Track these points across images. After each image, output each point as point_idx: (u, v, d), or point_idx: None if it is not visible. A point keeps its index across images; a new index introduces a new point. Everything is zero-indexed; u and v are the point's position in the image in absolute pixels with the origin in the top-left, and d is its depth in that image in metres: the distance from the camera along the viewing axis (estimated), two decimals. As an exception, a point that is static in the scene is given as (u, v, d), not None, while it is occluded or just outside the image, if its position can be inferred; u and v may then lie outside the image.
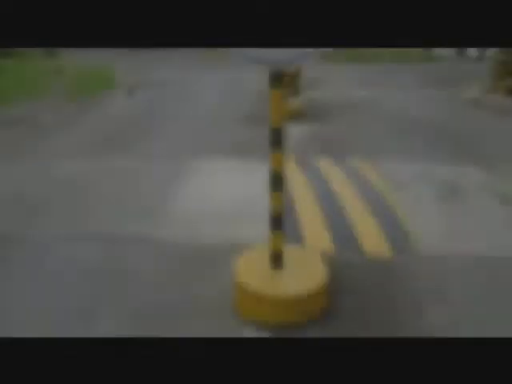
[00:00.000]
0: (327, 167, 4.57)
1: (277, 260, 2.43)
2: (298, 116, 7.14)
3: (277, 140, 2.19)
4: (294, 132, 6.20)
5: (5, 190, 3.98)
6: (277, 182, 2.27)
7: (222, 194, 3.90)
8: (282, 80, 2.19)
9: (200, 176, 4.38)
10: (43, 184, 4.15)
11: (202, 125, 6.78)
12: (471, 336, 2.32)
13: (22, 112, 7.39)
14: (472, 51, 22.97)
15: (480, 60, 20.56)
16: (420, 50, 26.96)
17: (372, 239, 3.07)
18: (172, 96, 10.06)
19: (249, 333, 2.19)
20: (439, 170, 4.54)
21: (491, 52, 20.46)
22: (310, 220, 3.34)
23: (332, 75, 13.50)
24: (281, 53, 2.03)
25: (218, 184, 4.14)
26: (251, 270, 2.47)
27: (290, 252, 2.54)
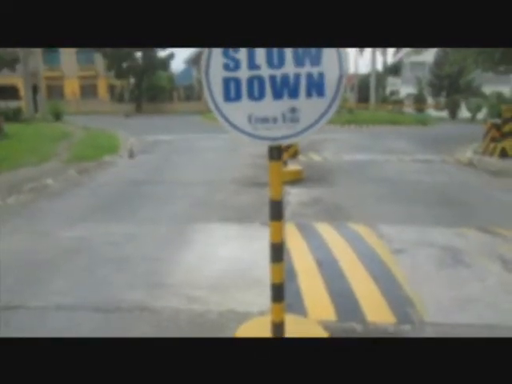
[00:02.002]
0: (327, 231, 4.59)
1: (278, 330, 2.40)
2: (296, 179, 7.28)
3: (276, 211, 2.23)
4: (293, 195, 6.30)
5: (7, 256, 3.97)
6: (277, 252, 2.28)
7: (222, 261, 3.89)
8: (281, 152, 2.27)
9: (199, 242, 4.39)
10: (45, 250, 4.15)
11: (199, 189, 6.88)
12: (471, 336, 2.23)
13: (28, 176, 7.53)
14: (464, 113, 23.81)
15: (472, 122, 21.25)
16: (413, 113, 27.85)
17: (374, 307, 3.03)
18: (170, 158, 10.30)
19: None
20: (438, 233, 4.56)
21: (483, 114, 21.25)
22: (311, 287, 3.31)
23: (330, 137, 13.89)
24: (280, 131, 2.13)
25: (217, 251, 4.14)
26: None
27: (291, 322, 2.50)
